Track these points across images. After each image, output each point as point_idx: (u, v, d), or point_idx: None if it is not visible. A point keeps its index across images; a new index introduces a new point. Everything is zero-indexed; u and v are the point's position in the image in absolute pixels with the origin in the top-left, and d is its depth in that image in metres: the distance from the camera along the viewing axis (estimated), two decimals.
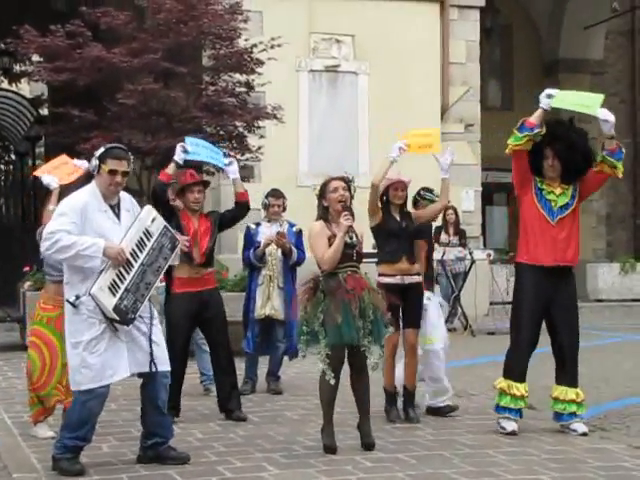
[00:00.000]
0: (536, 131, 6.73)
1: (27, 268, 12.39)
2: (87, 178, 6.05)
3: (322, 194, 6.42)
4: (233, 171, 7.47)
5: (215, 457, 6.08)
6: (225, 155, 7.76)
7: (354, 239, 6.30)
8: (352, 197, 6.44)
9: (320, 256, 6.28)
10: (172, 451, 5.95)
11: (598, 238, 21.62)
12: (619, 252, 21.43)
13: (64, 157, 7.53)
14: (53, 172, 7.34)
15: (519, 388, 6.80)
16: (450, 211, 14.29)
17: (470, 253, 13.95)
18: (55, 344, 6.76)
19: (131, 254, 5.70)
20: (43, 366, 6.75)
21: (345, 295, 6.13)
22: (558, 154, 6.82)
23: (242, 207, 7.60)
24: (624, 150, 6.80)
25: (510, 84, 22.22)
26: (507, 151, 6.90)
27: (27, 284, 12.10)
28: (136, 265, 5.72)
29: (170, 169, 7.20)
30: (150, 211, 5.97)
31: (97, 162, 5.83)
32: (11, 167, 24.57)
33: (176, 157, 7.14)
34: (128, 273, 5.68)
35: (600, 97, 6.78)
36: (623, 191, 22.17)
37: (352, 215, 6.37)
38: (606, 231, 21.94)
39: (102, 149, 5.91)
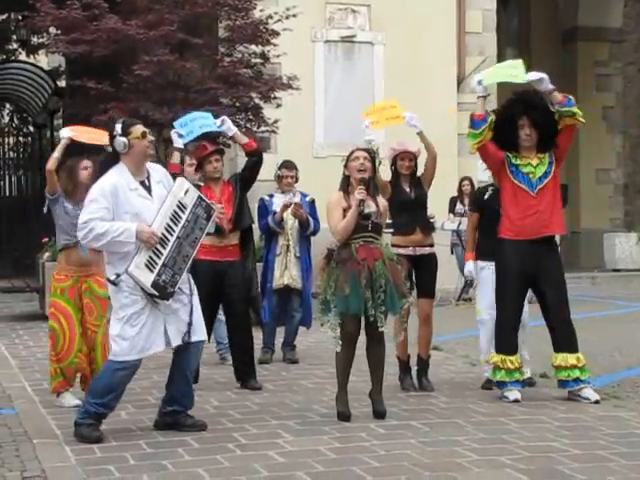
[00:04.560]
0: (489, 119, 6.82)
1: (45, 239, 12.52)
2: (106, 164, 5.95)
3: (346, 163, 6.49)
4: (228, 128, 7.38)
5: (231, 424, 6.18)
6: (214, 116, 7.72)
7: (371, 210, 6.35)
8: (376, 169, 6.50)
9: (333, 227, 6.37)
10: (189, 418, 6.05)
11: (615, 208, 21.51)
12: (637, 222, 21.34)
13: (104, 133, 7.49)
14: (82, 131, 7.41)
15: (512, 361, 6.87)
16: (466, 182, 14.27)
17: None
18: (71, 313, 6.87)
19: (166, 229, 5.76)
20: (64, 336, 6.86)
21: (355, 266, 6.20)
22: (534, 122, 6.83)
23: (254, 155, 7.53)
24: (571, 97, 6.85)
25: (528, 53, 21.97)
26: (471, 150, 7.01)
27: (45, 255, 12.26)
28: (172, 239, 5.78)
29: (175, 158, 7.20)
30: (183, 183, 5.99)
31: (124, 139, 5.77)
32: (29, 139, 24.62)
33: (175, 144, 7.17)
34: (164, 248, 5.74)
35: (520, 62, 7.05)
36: None
37: (376, 187, 6.46)
38: (624, 201, 21.81)
39: (118, 125, 5.84)
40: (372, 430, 5.97)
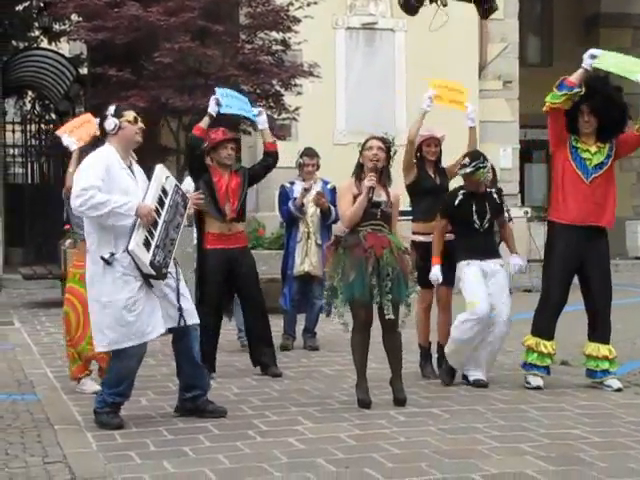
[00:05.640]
0: (575, 90, 6.69)
1: (67, 226, 12.56)
2: (95, 143, 6.08)
3: (361, 151, 6.48)
4: (262, 121, 7.53)
5: (251, 411, 6.19)
6: (253, 104, 7.78)
7: (381, 198, 6.33)
8: (390, 159, 6.47)
9: (342, 213, 6.38)
10: (209, 404, 6.07)
11: (638, 195, 21.38)
12: None
13: (87, 115, 7.56)
14: (74, 131, 7.38)
15: (547, 346, 6.84)
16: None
17: (507, 211, 13.83)
18: (87, 299, 6.89)
19: (155, 211, 5.76)
20: (77, 320, 6.92)
21: (362, 252, 6.19)
22: (594, 110, 6.77)
23: (271, 157, 7.64)
24: None
25: (550, 40, 21.92)
26: (544, 108, 6.88)
27: (67, 242, 12.31)
28: (160, 222, 5.78)
29: (204, 122, 7.25)
30: (163, 169, 6.01)
31: (115, 120, 5.83)
32: (52, 126, 24.70)
33: (210, 110, 7.21)
34: (155, 230, 5.74)
35: None
36: None
37: (388, 177, 6.43)
38: None
39: (112, 108, 5.92)
40: (392, 417, 5.97)
